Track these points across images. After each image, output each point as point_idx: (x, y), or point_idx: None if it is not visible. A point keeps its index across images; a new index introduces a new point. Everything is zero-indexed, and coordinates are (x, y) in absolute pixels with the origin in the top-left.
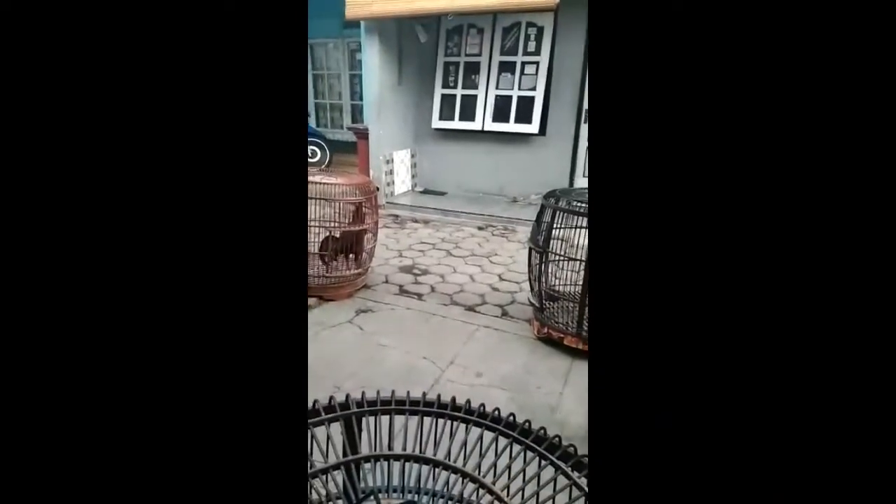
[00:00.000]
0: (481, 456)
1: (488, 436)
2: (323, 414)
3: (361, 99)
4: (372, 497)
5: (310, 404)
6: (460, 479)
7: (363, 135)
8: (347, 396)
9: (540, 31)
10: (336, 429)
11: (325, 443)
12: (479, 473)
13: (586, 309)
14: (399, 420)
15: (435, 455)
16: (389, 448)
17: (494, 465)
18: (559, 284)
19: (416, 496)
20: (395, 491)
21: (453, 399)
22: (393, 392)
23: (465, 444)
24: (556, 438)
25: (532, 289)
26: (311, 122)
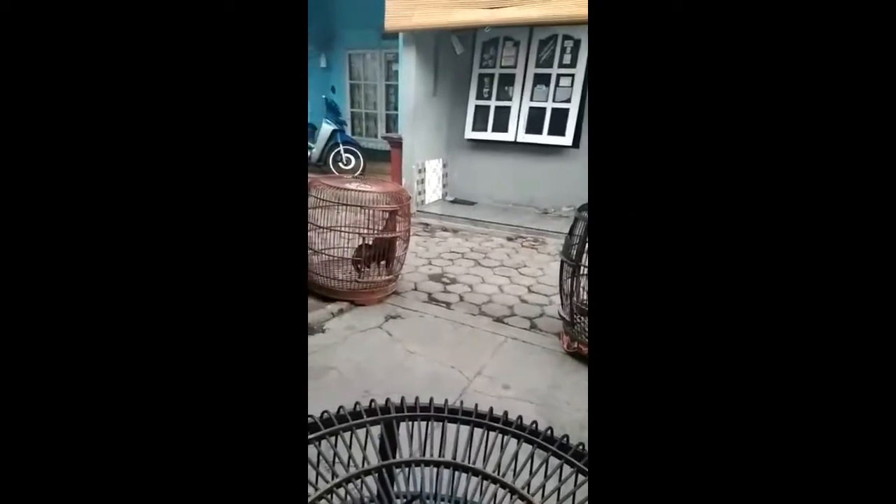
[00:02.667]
0: (516, 467)
1: (526, 448)
2: (365, 416)
3: (396, 109)
4: (417, 500)
5: (350, 407)
6: (499, 489)
7: (397, 144)
8: (387, 401)
9: (577, 43)
10: (360, 434)
11: (364, 445)
12: (522, 488)
13: None
14: (430, 428)
15: (473, 463)
16: (424, 454)
17: (531, 476)
18: None
19: None
20: (427, 498)
21: (490, 409)
22: (431, 399)
23: (498, 453)
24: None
25: (562, 302)
26: (347, 130)
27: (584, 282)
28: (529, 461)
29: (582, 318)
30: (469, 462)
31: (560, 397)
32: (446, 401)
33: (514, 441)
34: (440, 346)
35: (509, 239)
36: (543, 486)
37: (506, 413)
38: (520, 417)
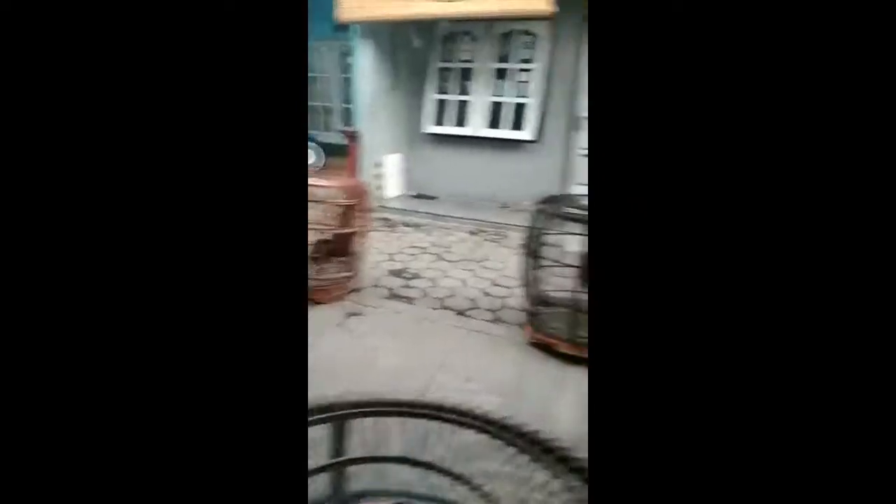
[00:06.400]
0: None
1: (482, 439)
2: (313, 415)
3: (353, 102)
4: (364, 499)
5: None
6: (450, 481)
7: (355, 138)
8: (337, 398)
9: (535, 38)
10: (319, 430)
11: (311, 445)
12: (473, 479)
13: (579, 314)
14: (388, 423)
15: (426, 458)
16: (379, 451)
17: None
18: (552, 290)
19: (407, 499)
20: (383, 496)
21: (444, 401)
22: (384, 395)
23: (453, 444)
24: (552, 441)
25: (525, 294)
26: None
27: (545, 273)
28: (483, 449)
29: (544, 309)
30: (424, 457)
31: (523, 388)
32: (396, 397)
33: (469, 432)
34: (402, 341)
35: (472, 233)
36: (499, 471)
37: (460, 404)
38: (475, 408)
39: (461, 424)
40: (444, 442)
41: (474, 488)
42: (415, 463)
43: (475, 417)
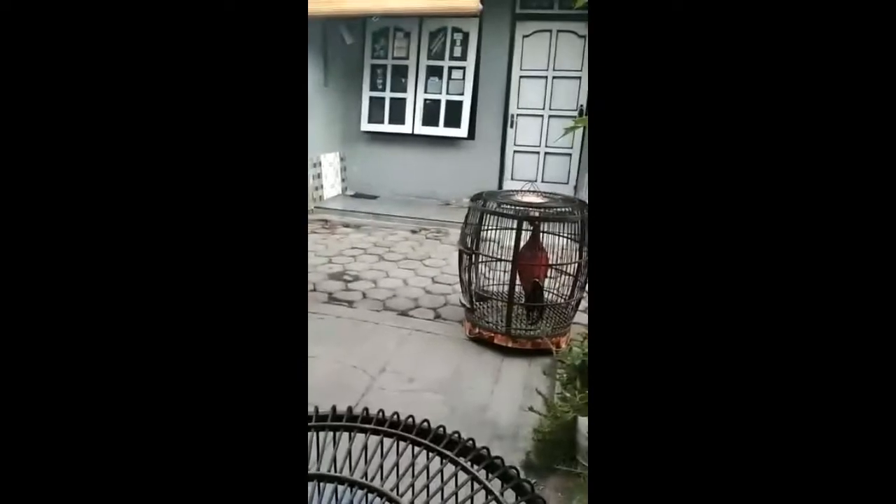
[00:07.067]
0: (380, 467)
1: (408, 448)
2: None
3: None
4: None
5: None
6: (368, 495)
7: None
8: None
9: (465, 36)
10: None
11: None
12: (391, 490)
13: (514, 307)
14: (315, 436)
15: (352, 475)
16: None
17: (394, 470)
18: (489, 284)
19: None
20: None
21: (365, 410)
22: (316, 408)
23: (365, 454)
24: (470, 441)
25: (462, 290)
26: None
27: (482, 268)
28: (409, 460)
29: (481, 303)
30: (348, 472)
31: (463, 383)
32: (318, 407)
33: (389, 442)
34: (342, 346)
35: (413, 231)
36: (427, 487)
37: (380, 412)
38: (395, 414)
39: (379, 433)
40: (372, 453)
41: (391, 500)
42: (334, 480)
43: (394, 425)
